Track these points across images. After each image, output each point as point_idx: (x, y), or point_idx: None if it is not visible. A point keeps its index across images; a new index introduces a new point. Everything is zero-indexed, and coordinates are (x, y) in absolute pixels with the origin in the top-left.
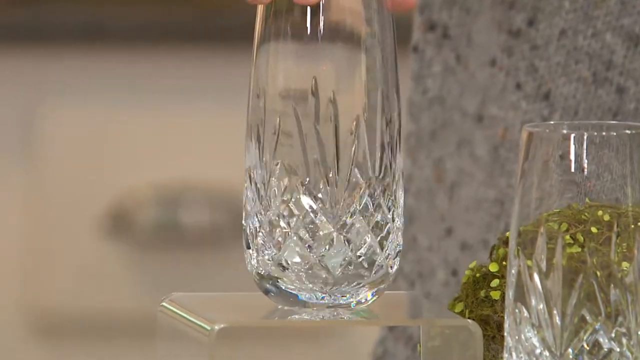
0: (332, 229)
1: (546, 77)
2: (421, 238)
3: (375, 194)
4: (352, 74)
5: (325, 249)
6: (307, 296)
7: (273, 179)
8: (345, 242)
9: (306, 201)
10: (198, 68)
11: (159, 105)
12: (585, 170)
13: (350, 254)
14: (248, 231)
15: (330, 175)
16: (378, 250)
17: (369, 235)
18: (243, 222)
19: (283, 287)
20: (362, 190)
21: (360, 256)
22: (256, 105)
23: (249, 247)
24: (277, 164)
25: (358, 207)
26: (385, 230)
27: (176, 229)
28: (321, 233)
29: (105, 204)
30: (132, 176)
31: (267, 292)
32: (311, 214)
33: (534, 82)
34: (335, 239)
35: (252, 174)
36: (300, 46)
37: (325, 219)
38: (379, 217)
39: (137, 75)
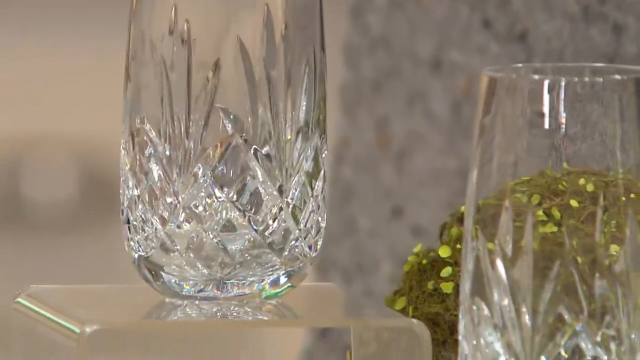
0: (230, 200)
1: (522, 12)
2: (362, 220)
3: (266, 149)
4: None
5: (222, 225)
6: (200, 286)
7: (160, 134)
8: (249, 219)
9: (197, 164)
10: None
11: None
12: (563, 127)
13: (254, 233)
14: (126, 202)
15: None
16: (292, 225)
17: (279, 206)
18: (121, 190)
19: (168, 275)
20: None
21: (267, 235)
22: (137, 40)
23: (127, 222)
24: (154, 115)
25: (256, 170)
26: (302, 198)
27: (27, 201)
28: (216, 205)
29: None
30: None
31: (148, 280)
32: (204, 180)
33: (507, 19)
34: (236, 215)
35: (132, 129)
36: None
37: (221, 188)
38: (288, 181)
39: None
